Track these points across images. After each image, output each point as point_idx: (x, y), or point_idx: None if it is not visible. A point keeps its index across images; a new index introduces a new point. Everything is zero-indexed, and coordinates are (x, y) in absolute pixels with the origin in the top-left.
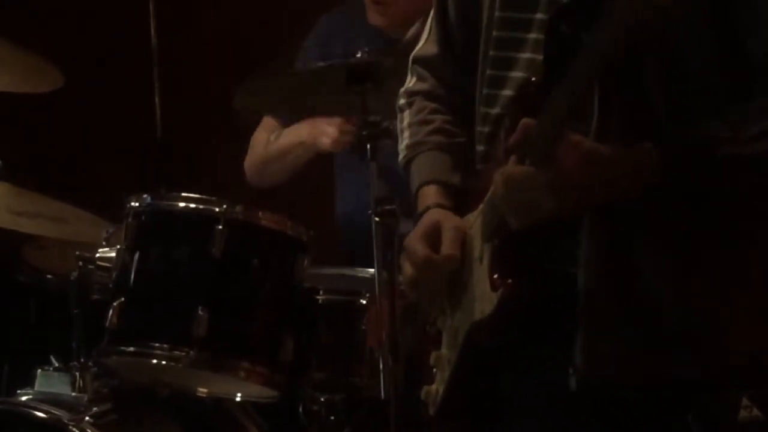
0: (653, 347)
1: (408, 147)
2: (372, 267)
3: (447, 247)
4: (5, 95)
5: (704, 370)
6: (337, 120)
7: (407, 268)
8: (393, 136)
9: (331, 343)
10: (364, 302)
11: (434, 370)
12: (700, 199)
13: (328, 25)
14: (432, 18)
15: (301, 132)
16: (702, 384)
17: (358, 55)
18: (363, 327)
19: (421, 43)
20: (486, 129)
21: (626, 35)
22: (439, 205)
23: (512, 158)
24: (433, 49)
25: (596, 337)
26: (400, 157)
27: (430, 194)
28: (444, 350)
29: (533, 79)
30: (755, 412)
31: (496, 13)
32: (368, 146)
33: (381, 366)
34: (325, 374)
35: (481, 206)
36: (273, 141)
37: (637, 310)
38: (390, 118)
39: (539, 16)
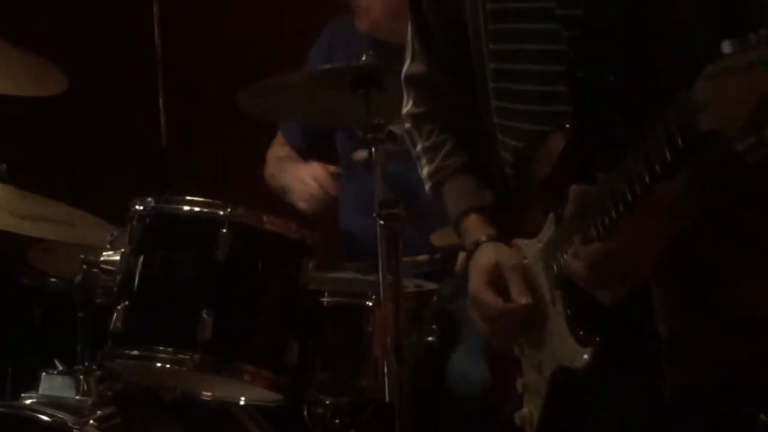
0: (736, 344)
1: (430, 175)
2: (377, 271)
3: (519, 293)
4: (10, 98)
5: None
6: (318, 172)
7: (479, 320)
8: (397, 140)
9: (335, 346)
10: (369, 305)
11: (522, 394)
12: (747, 207)
13: (332, 32)
14: (411, 35)
15: (287, 181)
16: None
17: (363, 59)
18: (368, 330)
19: (407, 62)
20: (510, 157)
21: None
22: (490, 237)
23: (577, 236)
24: (420, 67)
25: (683, 358)
26: (427, 186)
27: (474, 225)
28: (529, 377)
29: (567, 126)
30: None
31: (490, 46)
32: (372, 150)
33: (386, 369)
34: (330, 377)
35: (537, 245)
36: (277, 175)
37: (712, 336)
38: (394, 121)
39: (532, 46)
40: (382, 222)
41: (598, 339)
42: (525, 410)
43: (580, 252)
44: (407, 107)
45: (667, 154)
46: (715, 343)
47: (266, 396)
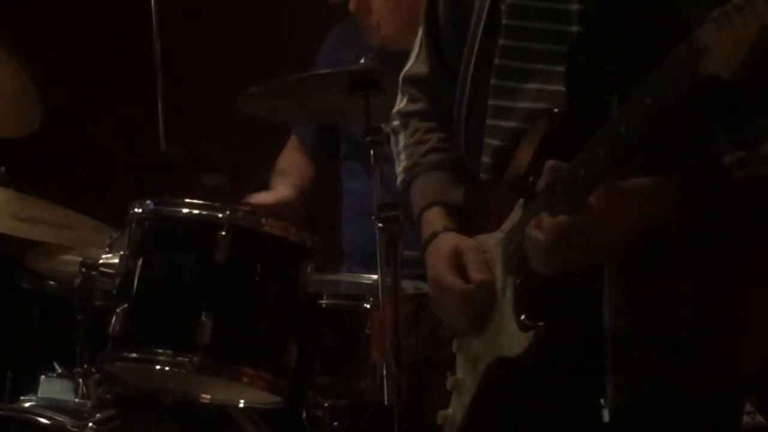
0: (675, 366)
1: (405, 170)
2: (375, 273)
3: (477, 272)
4: None
5: (720, 380)
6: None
7: (441, 303)
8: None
9: (334, 349)
10: (368, 307)
11: (451, 393)
12: (718, 221)
13: (338, 36)
14: (420, 36)
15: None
16: (716, 394)
17: (362, 61)
18: (367, 332)
19: (410, 63)
20: (488, 160)
21: (673, 105)
22: (447, 228)
23: (543, 210)
24: (423, 68)
25: (624, 370)
26: (398, 180)
27: (435, 217)
28: (461, 375)
29: (555, 110)
30: (758, 418)
31: (501, 41)
32: (372, 152)
33: (385, 371)
34: (329, 380)
35: (498, 234)
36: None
37: (661, 338)
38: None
39: (545, 46)
40: (381, 225)
41: (540, 324)
42: (449, 410)
43: (543, 222)
44: (400, 105)
45: (656, 110)
46: (654, 358)
47: (265, 398)
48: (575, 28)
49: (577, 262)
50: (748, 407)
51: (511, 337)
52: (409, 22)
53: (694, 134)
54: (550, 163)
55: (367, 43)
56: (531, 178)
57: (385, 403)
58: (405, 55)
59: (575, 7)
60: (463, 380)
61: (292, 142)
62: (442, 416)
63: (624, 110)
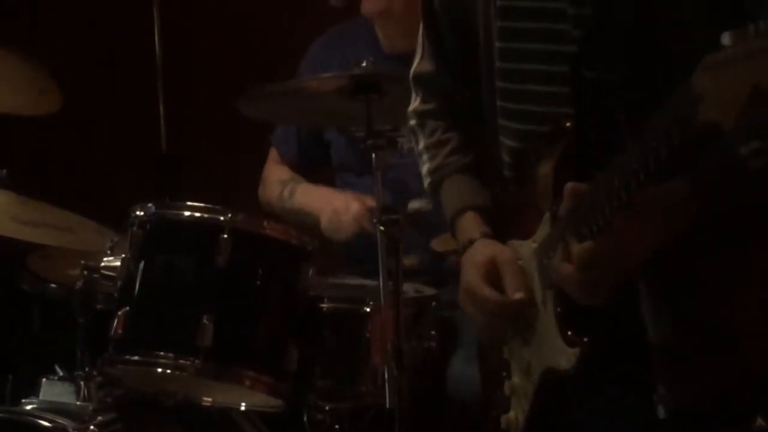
0: (727, 366)
1: (431, 172)
2: (377, 276)
3: (515, 288)
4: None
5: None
6: (356, 208)
7: (473, 313)
8: (398, 146)
9: (335, 352)
10: (369, 311)
11: (509, 398)
12: (741, 216)
13: (322, 45)
14: (421, 34)
15: (316, 208)
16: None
17: (363, 65)
18: (368, 336)
19: (416, 60)
20: (508, 159)
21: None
22: (484, 234)
23: (569, 235)
24: (428, 66)
25: (675, 376)
26: (426, 183)
27: (469, 224)
28: (516, 380)
29: (568, 124)
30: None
31: (497, 44)
32: (373, 156)
33: (386, 374)
34: (330, 383)
35: (531, 244)
36: (286, 196)
37: (705, 339)
38: (394, 127)
39: (542, 46)
40: (382, 228)
41: (586, 339)
42: (511, 414)
43: (571, 250)
44: (414, 104)
45: (663, 150)
46: (703, 357)
47: (267, 402)
48: (573, 29)
49: (611, 283)
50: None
51: (558, 351)
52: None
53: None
54: (569, 186)
55: (353, 48)
56: (554, 182)
57: (386, 406)
58: (398, 58)
59: (569, 8)
60: (520, 385)
61: (273, 155)
62: (505, 420)
63: (634, 148)
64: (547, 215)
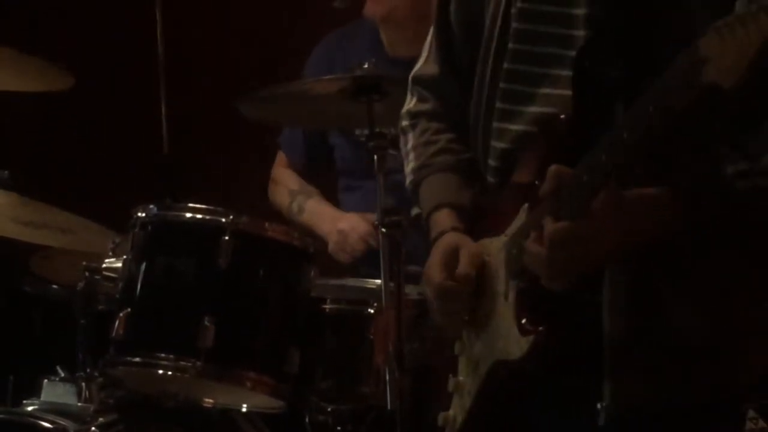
0: (675, 371)
1: (414, 170)
2: (378, 278)
3: (462, 268)
4: (12, 108)
5: (721, 386)
6: (362, 228)
7: (429, 293)
8: (399, 147)
9: (337, 353)
10: (371, 312)
11: (452, 395)
12: (719, 229)
13: (327, 45)
14: (431, 36)
15: (323, 231)
16: (717, 400)
17: (365, 66)
18: (370, 337)
19: (420, 63)
20: (494, 163)
21: (675, 117)
22: (454, 229)
23: (547, 216)
24: (433, 68)
25: (622, 375)
26: (407, 180)
27: (442, 219)
28: (462, 377)
29: (562, 116)
30: (761, 423)
31: (510, 45)
32: (375, 157)
33: (387, 376)
34: (332, 384)
35: (503, 237)
36: (295, 211)
37: (660, 344)
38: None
39: (555, 50)
40: (384, 230)
41: (541, 328)
42: (449, 412)
43: (545, 230)
44: (409, 105)
45: (657, 116)
46: (653, 363)
47: (268, 403)
48: (582, 32)
49: (579, 270)
50: (752, 413)
51: (511, 340)
52: (418, 8)
53: (697, 144)
54: (553, 168)
55: (356, 50)
56: (536, 183)
57: (388, 407)
58: (412, 63)
59: (582, 11)
60: (464, 382)
61: (281, 159)
62: (443, 418)
63: (627, 117)
64: (524, 207)
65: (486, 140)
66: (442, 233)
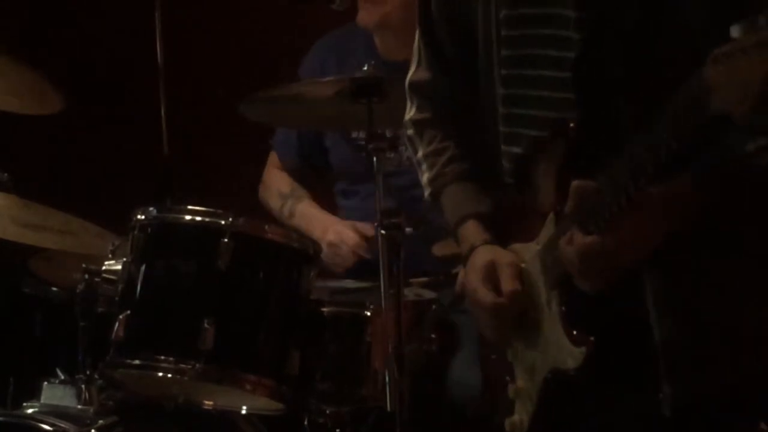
0: (728, 363)
1: (430, 181)
2: (377, 280)
3: (508, 284)
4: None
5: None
6: (352, 240)
7: (477, 315)
8: (398, 148)
9: (337, 355)
10: (370, 314)
11: (512, 401)
12: (746, 210)
13: (321, 48)
14: (418, 41)
15: (315, 236)
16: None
17: (365, 68)
18: (368, 339)
19: (412, 69)
20: (510, 165)
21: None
22: (485, 241)
23: (575, 227)
24: (425, 74)
25: (677, 373)
26: (426, 192)
27: (471, 231)
28: (521, 383)
29: (572, 124)
30: None
31: (503, 52)
32: (374, 159)
33: (387, 378)
34: (331, 386)
35: (535, 246)
36: (286, 215)
37: (709, 335)
38: (395, 129)
39: (546, 52)
40: (383, 232)
41: (591, 339)
42: (515, 417)
43: (575, 238)
44: (410, 114)
45: (674, 142)
46: (709, 353)
47: (268, 405)
48: (576, 35)
49: (612, 275)
50: (763, 426)
51: (564, 351)
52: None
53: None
54: (575, 184)
55: (352, 52)
56: (559, 203)
57: (387, 409)
58: (406, 66)
59: (572, 14)
60: (524, 388)
61: (273, 159)
62: (510, 423)
63: (643, 143)
64: (551, 216)
65: (496, 143)
66: (473, 248)
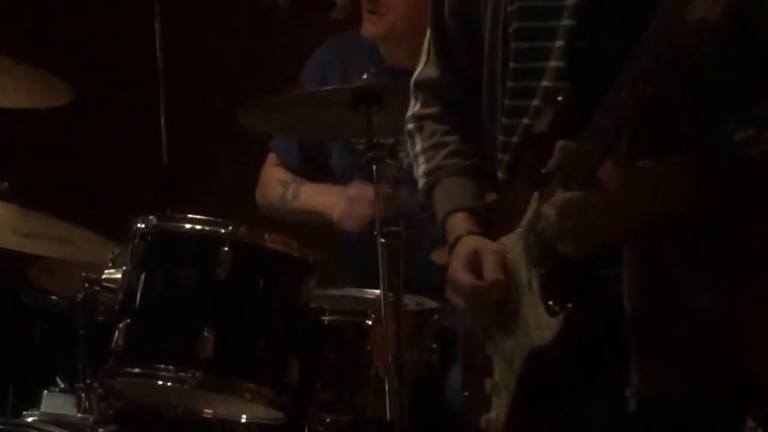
0: (701, 358)
1: (426, 173)
2: (378, 288)
3: (491, 272)
4: (12, 118)
5: (730, 383)
6: (371, 195)
7: (456, 301)
8: (397, 156)
9: (337, 365)
10: (370, 323)
11: (489, 396)
12: (732, 202)
13: (325, 53)
14: (428, 40)
15: (326, 204)
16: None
17: (364, 77)
18: (369, 348)
19: (420, 67)
20: (507, 157)
21: (670, 63)
22: (471, 232)
23: (558, 187)
24: (433, 72)
25: (648, 356)
26: (420, 183)
27: (459, 222)
28: (498, 377)
29: (560, 98)
30: None
31: (511, 44)
32: (374, 167)
33: (387, 387)
34: (331, 395)
35: (518, 230)
36: (290, 198)
37: (681, 325)
38: (396, 139)
39: (559, 44)
40: (383, 240)
41: (569, 306)
42: (492, 414)
43: (555, 199)
44: (414, 109)
45: (651, 67)
46: (676, 345)
47: (267, 414)
48: (572, 22)
49: (593, 240)
50: (750, 423)
51: (542, 325)
52: (416, 24)
53: (700, 112)
54: (560, 143)
55: (355, 58)
56: (544, 169)
57: (387, 418)
58: (411, 73)
59: (570, 2)
60: (501, 381)
61: (272, 159)
62: (486, 420)
63: (623, 78)
64: (535, 195)
65: (495, 139)
66: (459, 237)
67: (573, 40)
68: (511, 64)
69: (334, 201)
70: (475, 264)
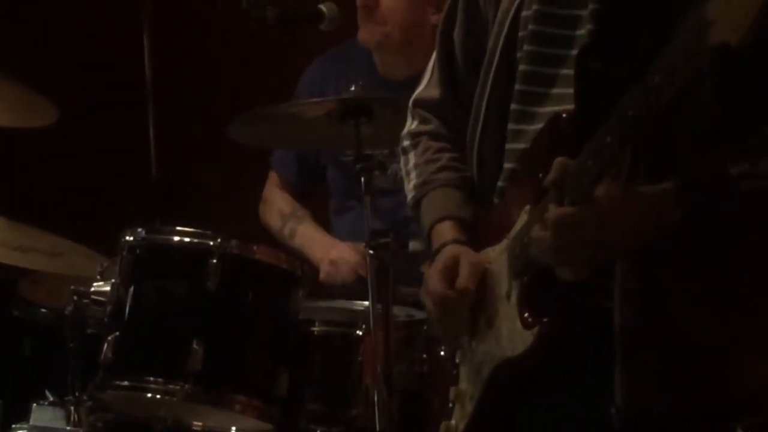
0: (687, 378)
1: (416, 187)
2: (367, 300)
3: (462, 281)
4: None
5: (719, 398)
6: (353, 259)
7: (428, 304)
8: (387, 169)
9: (326, 376)
10: (360, 334)
11: (452, 405)
12: (725, 230)
13: (321, 66)
14: (434, 61)
15: (315, 257)
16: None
17: (352, 89)
18: (358, 359)
19: (421, 87)
20: (510, 165)
21: (679, 82)
22: (456, 241)
23: (551, 203)
24: (436, 92)
25: (635, 373)
26: (409, 197)
27: (444, 231)
28: (463, 385)
29: (564, 115)
30: None
31: (525, 47)
32: (362, 180)
33: (376, 398)
34: (321, 406)
35: (504, 242)
36: (287, 235)
37: (671, 343)
38: (383, 150)
39: (563, 51)
40: (372, 252)
41: (546, 320)
42: (452, 421)
43: (550, 214)
44: (410, 126)
45: (664, 86)
46: (663, 360)
47: (257, 426)
48: (585, 31)
49: (586, 258)
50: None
51: (515, 337)
52: (412, 33)
53: (700, 139)
54: (559, 159)
55: (352, 70)
56: (540, 175)
57: (377, 429)
58: (405, 85)
59: (587, 12)
60: (466, 390)
61: (273, 178)
62: (444, 427)
63: (633, 93)
64: (526, 208)
65: (492, 161)
66: (444, 245)
67: (585, 63)
68: (517, 87)
69: (322, 258)
70: (452, 272)
